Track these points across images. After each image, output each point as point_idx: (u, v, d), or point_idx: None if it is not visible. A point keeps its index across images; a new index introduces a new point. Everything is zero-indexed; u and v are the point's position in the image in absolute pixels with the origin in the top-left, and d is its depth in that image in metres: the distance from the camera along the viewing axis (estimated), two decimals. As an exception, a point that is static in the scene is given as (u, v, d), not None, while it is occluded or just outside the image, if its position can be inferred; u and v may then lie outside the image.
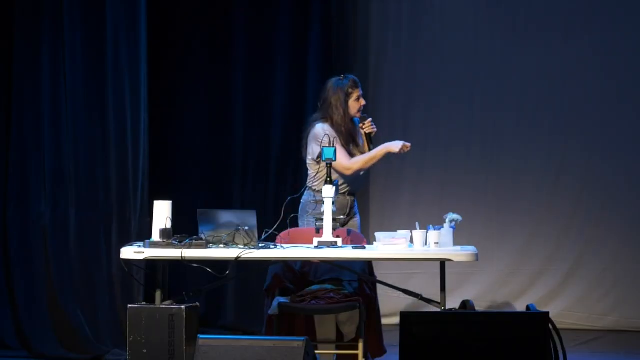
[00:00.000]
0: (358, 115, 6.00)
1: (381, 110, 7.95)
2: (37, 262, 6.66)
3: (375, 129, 5.99)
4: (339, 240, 5.37)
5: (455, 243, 5.38)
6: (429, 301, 5.45)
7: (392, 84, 7.95)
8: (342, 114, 5.95)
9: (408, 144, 5.84)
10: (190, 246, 5.23)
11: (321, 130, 5.91)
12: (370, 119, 5.98)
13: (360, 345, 5.63)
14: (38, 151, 6.70)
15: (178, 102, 7.47)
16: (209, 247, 5.28)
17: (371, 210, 7.96)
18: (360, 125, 6.00)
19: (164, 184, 7.22)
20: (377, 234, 5.35)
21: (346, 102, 5.97)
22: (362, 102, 6.00)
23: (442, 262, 5.28)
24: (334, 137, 5.84)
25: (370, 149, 5.96)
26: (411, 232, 5.37)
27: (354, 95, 5.98)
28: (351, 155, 5.95)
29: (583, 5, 7.77)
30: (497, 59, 7.84)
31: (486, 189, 7.86)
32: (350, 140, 5.98)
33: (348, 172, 5.93)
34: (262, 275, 6.07)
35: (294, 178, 7.45)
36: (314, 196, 5.92)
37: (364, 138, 6.01)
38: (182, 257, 5.23)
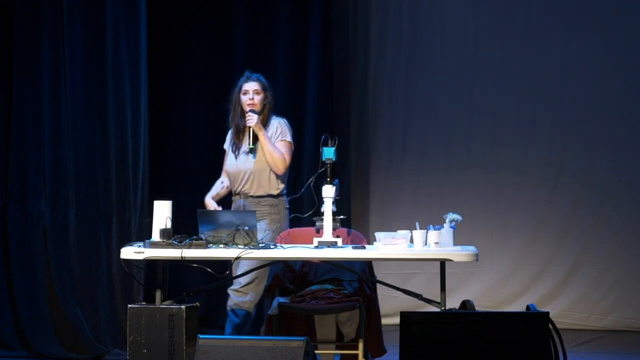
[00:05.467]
0: (249, 107, 5.98)
1: (381, 110, 7.96)
2: (37, 262, 6.66)
3: (250, 123, 5.90)
4: (339, 240, 5.37)
5: (455, 243, 5.38)
6: (429, 301, 5.45)
7: (392, 84, 7.96)
8: (234, 109, 6.05)
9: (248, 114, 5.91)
10: (190, 246, 5.23)
11: (228, 135, 6.13)
12: (250, 113, 5.93)
13: (360, 345, 5.63)
14: (38, 151, 6.70)
15: (178, 102, 7.47)
16: (209, 247, 5.29)
17: (371, 210, 7.96)
18: None
19: (164, 184, 7.23)
20: (377, 234, 5.36)
21: (238, 95, 6.05)
22: (249, 96, 5.98)
23: (442, 262, 5.28)
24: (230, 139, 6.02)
25: (250, 144, 5.92)
26: (411, 232, 5.37)
27: (243, 88, 6.02)
28: (237, 149, 5.99)
29: (583, 5, 7.77)
30: (497, 59, 7.84)
31: (486, 189, 7.86)
32: (243, 136, 6.00)
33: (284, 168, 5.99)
34: (262, 275, 6.07)
35: (294, 178, 7.45)
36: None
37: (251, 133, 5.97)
38: (182, 257, 5.23)
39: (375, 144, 7.98)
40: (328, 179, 5.47)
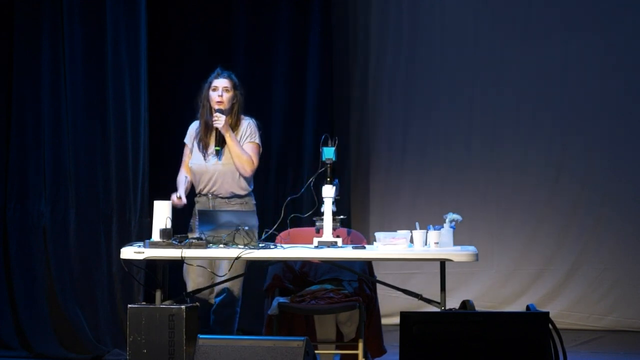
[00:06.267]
0: (217, 105, 5.81)
1: (381, 110, 7.96)
2: (37, 262, 6.66)
3: (218, 125, 5.75)
4: (339, 240, 5.37)
5: (455, 243, 5.38)
6: (429, 301, 5.45)
7: (392, 84, 7.95)
8: (203, 106, 5.88)
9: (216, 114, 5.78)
10: (190, 246, 5.23)
11: (190, 129, 5.98)
12: (217, 114, 5.77)
13: (360, 345, 5.63)
14: (38, 151, 6.70)
15: (178, 102, 7.46)
16: (209, 247, 5.29)
17: (371, 210, 7.96)
18: None
19: (164, 184, 7.21)
20: (377, 234, 5.36)
21: (207, 91, 5.89)
22: (218, 93, 5.82)
23: (442, 262, 5.29)
24: (195, 135, 5.86)
25: (216, 145, 5.80)
26: (411, 232, 5.37)
27: (212, 84, 5.86)
28: (206, 148, 5.85)
29: (583, 4, 7.76)
30: (497, 59, 7.84)
31: (486, 189, 7.86)
32: (211, 134, 5.86)
33: (252, 171, 5.87)
34: (262, 275, 6.07)
35: (294, 178, 7.45)
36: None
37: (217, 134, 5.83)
38: (182, 257, 5.23)
39: (375, 144, 7.98)
40: (328, 179, 5.47)
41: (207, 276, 5.82)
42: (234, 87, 5.89)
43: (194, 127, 5.96)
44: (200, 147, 5.89)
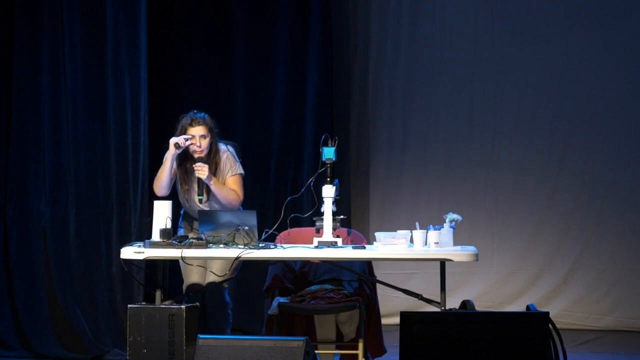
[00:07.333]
0: (196, 154, 5.75)
1: (381, 110, 7.95)
2: (37, 262, 6.66)
3: (201, 176, 5.69)
4: (339, 240, 5.38)
5: (455, 243, 5.38)
6: (429, 301, 5.46)
7: (392, 83, 7.95)
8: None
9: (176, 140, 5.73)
10: (190, 246, 5.23)
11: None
12: (199, 164, 5.71)
13: (360, 345, 5.63)
14: (38, 151, 6.70)
15: (178, 102, 7.47)
16: (209, 247, 5.29)
17: (371, 210, 7.96)
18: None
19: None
20: (377, 234, 5.36)
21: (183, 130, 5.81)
22: (195, 141, 5.74)
23: (442, 262, 5.29)
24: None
25: (199, 194, 5.74)
26: (411, 232, 5.37)
27: (188, 133, 5.77)
28: (183, 190, 5.84)
29: (584, 3, 7.76)
30: (497, 58, 7.84)
31: (486, 189, 7.86)
32: (189, 180, 5.83)
33: (239, 203, 5.84)
34: (262, 275, 6.08)
35: (294, 178, 7.45)
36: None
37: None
38: (182, 257, 5.23)
39: (375, 144, 7.98)
40: (328, 179, 5.47)
41: (203, 276, 5.83)
42: (210, 130, 5.81)
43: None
44: (183, 188, 5.86)
